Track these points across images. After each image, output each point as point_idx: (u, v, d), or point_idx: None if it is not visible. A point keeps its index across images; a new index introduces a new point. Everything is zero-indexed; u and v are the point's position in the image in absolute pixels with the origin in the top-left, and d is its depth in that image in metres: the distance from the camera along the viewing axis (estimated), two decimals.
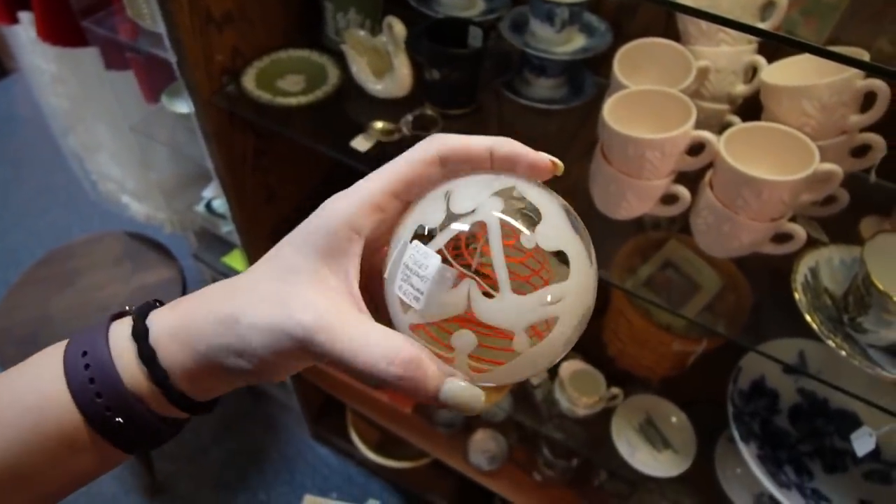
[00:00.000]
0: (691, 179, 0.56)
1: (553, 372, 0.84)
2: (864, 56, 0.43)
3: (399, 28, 0.63)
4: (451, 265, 0.19)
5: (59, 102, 0.97)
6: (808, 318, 0.52)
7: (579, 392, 0.76)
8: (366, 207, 0.22)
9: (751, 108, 0.61)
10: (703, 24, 0.60)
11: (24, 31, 0.89)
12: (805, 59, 0.57)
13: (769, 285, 0.68)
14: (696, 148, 0.53)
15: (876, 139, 0.54)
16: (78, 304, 1.09)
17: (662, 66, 0.61)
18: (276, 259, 0.23)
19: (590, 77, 0.73)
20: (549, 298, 0.19)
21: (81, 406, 0.22)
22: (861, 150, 0.56)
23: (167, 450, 1.33)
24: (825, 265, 0.58)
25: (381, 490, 1.24)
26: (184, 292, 1.08)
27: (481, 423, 1.06)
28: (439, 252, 0.19)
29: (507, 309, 0.19)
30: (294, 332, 0.20)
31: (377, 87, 0.68)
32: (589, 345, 0.92)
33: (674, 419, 0.80)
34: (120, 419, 0.22)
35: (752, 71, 0.60)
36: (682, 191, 0.56)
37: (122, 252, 1.14)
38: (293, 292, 0.21)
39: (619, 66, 0.59)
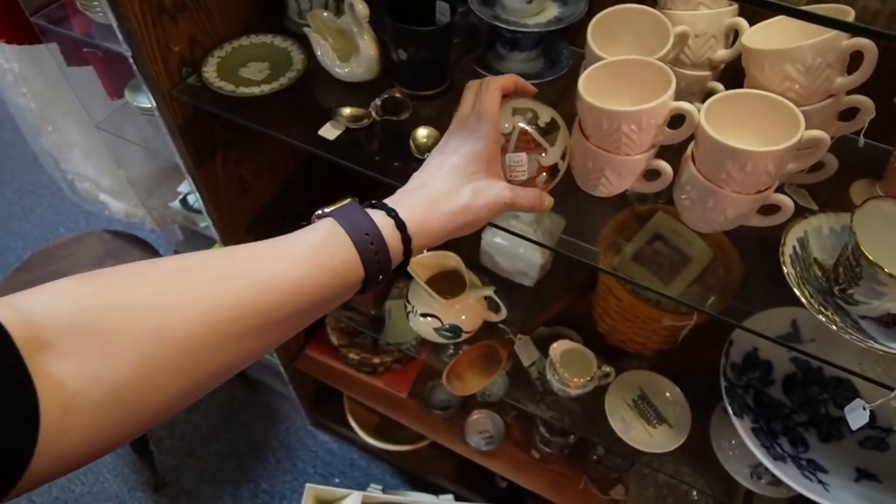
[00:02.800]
0: (676, 153, 0.54)
1: (544, 351, 0.83)
2: (849, 15, 0.40)
3: (361, 7, 0.60)
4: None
5: (25, 102, 0.94)
6: (797, 292, 0.51)
7: (571, 372, 0.75)
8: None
9: (734, 72, 0.58)
10: None
11: None
12: (787, 21, 0.53)
13: (760, 255, 0.66)
14: (677, 119, 0.51)
15: (864, 101, 0.52)
16: None
17: (639, 34, 0.57)
18: (459, 169, 0.43)
19: (566, 48, 0.70)
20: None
21: (364, 258, 0.35)
22: (849, 113, 0.53)
23: (168, 444, 1.34)
24: (814, 235, 0.56)
25: (383, 473, 1.25)
26: None
27: (477, 403, 1.06)
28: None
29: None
30: (505, 202, 0.44)
31: (343, 70, 0.65)
32: (579, 322, 0.91)
33: (667, 394, 0.79)
34: (380, 266, 0.37)
35: (734, 34, 0.57)
36: (664, 165, 0.54)
37: (104, 251, 1.12)
38: (492, 183, 0.44)
39: (593, 35, 0.56)
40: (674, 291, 0.84)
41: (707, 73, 0.59)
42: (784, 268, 0.52)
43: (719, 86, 0.60)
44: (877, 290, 0.49)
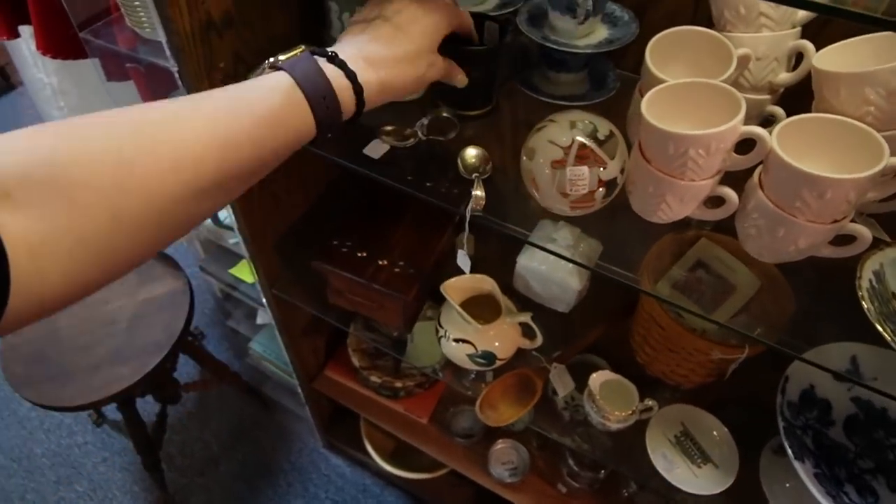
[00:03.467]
0: (735, 179, 0.51)
1: (581, 383, 0.80)
2: None
3: None
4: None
5: (61, 115, 0.94)
6: (879, 328, 0.47)
7: (611, 405, 0.72)
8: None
9: (791, 97, 0.56)
10: (742, 7, 0.54)
11: (26, 45, 0.86)
12: (858, 42, 0.51)
13: (814, 286, 0.63)
14: (745, 144, 0.48)
15: None
16: (85, 318, 1.06)
17: (695, 56, 0.55)
18: (429, 35, 0.45)
19: (612, 70, 0.68)
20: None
21: (319, 121, 0.38)
22: None
23: (178, 462, 1.30)
24: (890, 267, 0.53)
25: (396, 500, 1.21)
26: (192, 304, 1.04)
27: (501, 433, 1.02)
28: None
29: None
30: (440, 78, 0.49)
31: None
32: (609, 350, 0.87)
33: (714, 432, 0.75)
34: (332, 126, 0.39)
35: (796, 57, 0.55)
36: (729, 192, 0.51)
37: None
38: (438, 61, 0.47)
39: (651, 57, 0.54)
40: (720, 319, 0.80)
41: (767, 96, 0.57)
42: (863, 303, 0.49)
43: (779, 110, 0.58)
44: None
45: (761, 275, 0.72)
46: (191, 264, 1.16)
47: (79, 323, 1.06)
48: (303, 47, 0.40)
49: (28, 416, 1.41)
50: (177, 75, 0.61)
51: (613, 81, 0.66)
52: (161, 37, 0.58)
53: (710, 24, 0.56)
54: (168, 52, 0.59)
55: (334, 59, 0.39)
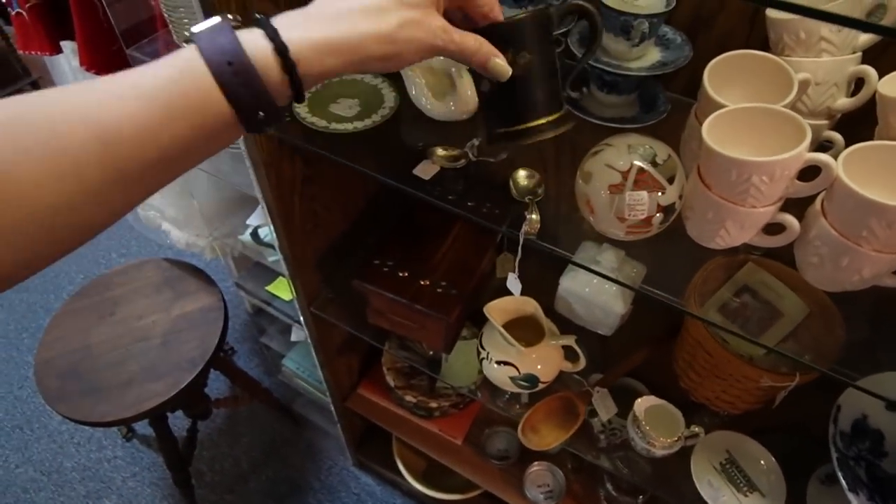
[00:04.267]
0: (789, 204, 0.51)
1: (622, 400, 0.79)
2: None
3: None
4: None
5: None
6: None
7: (656, 431, 0.70)
8: None
9: (847, 122, 0.55)
10: (803, 32, 0.54)
11: (67, 61, 0.88)
12: None
13: (866, 313, 0.62)
14: (809, 171, 0.48)
15: None
16: (118, 334, 1.07)
17: (754, 81, 0.55)
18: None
19: (661, 93, 0.67)
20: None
21: (229, 93, 0.29)
22: None
23: (208, 479, 1.30)
24: None
25: None
26: (226, 320, 1.05)
27: (536, 455, 1.01)
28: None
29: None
30: (437, 45, 0.34)
31: (439, 109, 0.64)
32: (653, 375, 0.86)
33: (761, 461, 0.73)
34: (257, 101, 0.30)
35: (857, 83, 0.54)
36: (790, 220, 0.50)
37: (162, 279, 1.12)
38: (429, 16, 0.34)
39: (710, 81, 0.54)
40: (761, 350, 0.79)
41: (824, 122, 0.57)
42: None
43: (837, 136, 0.57)
44: None
45: (810, 301, 0.71)
46: (223, 279, 1.17)
47: (112, 339, 1.07)
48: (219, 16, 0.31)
49: (59, 429, 1.42)
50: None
51: (663, 104, 0.65)
52: None
53: (763, 46, 0.56)
54: None
55: (259, 21, 0.31)
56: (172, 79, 0.28)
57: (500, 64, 0.38)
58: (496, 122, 0.44)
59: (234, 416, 1.39)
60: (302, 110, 0.65)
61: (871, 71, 0.52)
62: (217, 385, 1.42)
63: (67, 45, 0.84)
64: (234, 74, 0.28)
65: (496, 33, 0.38)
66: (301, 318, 0.89)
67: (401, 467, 1.13)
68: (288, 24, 0.30)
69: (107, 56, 0.74)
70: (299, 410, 1.35)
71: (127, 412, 0.98)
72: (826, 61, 0.54)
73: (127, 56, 0.72)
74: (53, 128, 0.26)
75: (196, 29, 0.30)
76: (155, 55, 0.74)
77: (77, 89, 0.27)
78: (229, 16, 0.31)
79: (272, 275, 1.04)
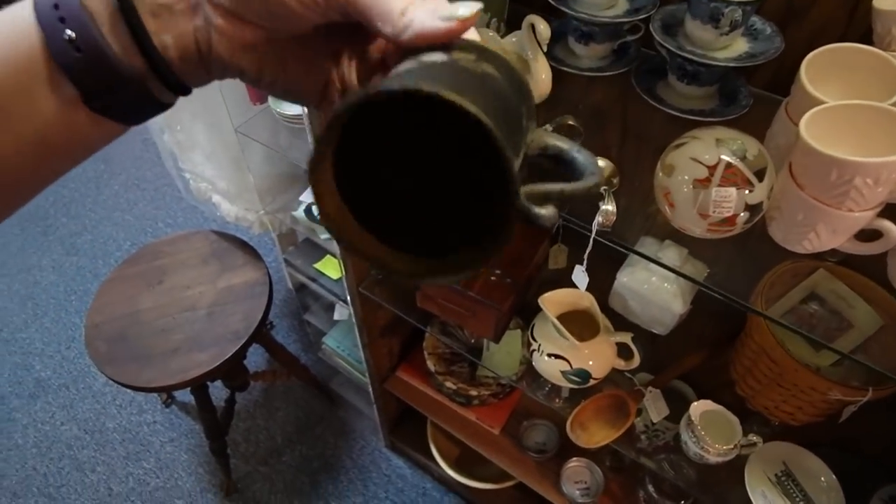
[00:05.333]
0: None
1: (672, 400, 0.77)
2: None
3: (543, 27, 0.57)
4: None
5: (172, 140, 0.96)
6: None
7: (711, 437, 0.68)
8: None
9: None
10: None
11: None
12: None
13: None
14: None
15: None
16: (166, 302, 1.09)
17: (853, 76, 0.52)
18: None
19: (744, 87, 0.64)
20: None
21: (47, 33, 0.21)
22: None
23: (242, 449, 1.34)
24: None
25: None
26: (270, 296, 1.06)
27: (575, 451, 1.00)
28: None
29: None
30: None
31: None
32: (702, 379, 0.83)
33: (822, 478, 0.70)
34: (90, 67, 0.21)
35: None
36: (889, 226, 0.47)
37: (209, 251, 1.14)
38: None
39: (806, 75, 0.51)
40: (828, 359, 0.75)
41: None
42: None
43: None
44: None
45: (884, 314, 0.67)
46: (266, 254, 1.18)
47: (160, 306, 1.09)
48: None
49: (102, 390, 1.47)
50: None
51: (745, 98, 0.62)
52: None
53: (862, 40, 0.52)
54: None
55: None
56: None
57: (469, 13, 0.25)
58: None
59: (271, 391, 1.42)
60: None
61: None
62: (255, 359, 1.45)
63: None
64: (58, 24, 0.21)
65: None
66: (348, 297, 0.90)
67: (434, 452, 1.13)
68: None
69: None
70: (336, 389, 1.37)
71: (171, 379, 1.01)
72: None
73: None
74: None
75: None
76: None
77: None
78: None
79: (320, 252, 1.04)
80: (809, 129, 0.47)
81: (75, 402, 1.45)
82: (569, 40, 0.68)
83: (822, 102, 0.48)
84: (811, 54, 0.52)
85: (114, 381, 1.01)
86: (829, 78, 0.52)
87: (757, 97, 0.63)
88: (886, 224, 0.47)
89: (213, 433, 1.19)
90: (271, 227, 1.08)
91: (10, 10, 0.21)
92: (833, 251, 0.64)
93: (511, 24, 0.66)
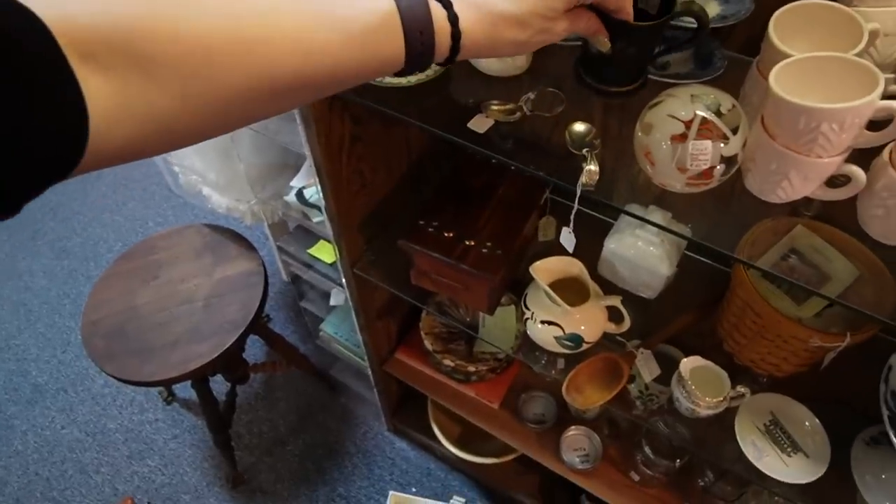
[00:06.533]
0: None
1: (663, 366, 0.79)
2: None
3: None
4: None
5: None
6: None
7: (702, 391, 0.71)
8: None
9: None
10: None
11: None
12: None
13: None
14: (878, 121, 0.47)
15: None
16: (162, 296, 1.10)
17: (820, 32, 0.54)
18: (541, 4, 0.40)
19: (718, 49, 0.67)
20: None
21: (410, 56, 0.36)
22: None
23: (246, 440, 1.35)
24: None
25: (461, 485, 1.22)
26: (266, 285, 1.08)
27: (573, 419, 1.02)
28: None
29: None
30: (556, 40, 0.43)
31: (491, 65, 0.64)
32: (692, 342, 0.86)
33: (806, 423, 0.73)
34: (420, 65, 0.37)
35: None
36: (856, 171, 0.50)
37: (203, 244, 1.15)
38: (555, 28, 0.42)
39: (775, 31, 0.53)
40: (810, 311, 0.79)
41: (891, 75, 0.55)
42: None
43: None
44: None
45: (860, 265, 0.70)
46: (260, 246, 1.19)
47: (157, 300, 1.10)
48: None
49: (101, 392, 1.47)
50: None
51: (720, 61, 0.65)
52: None
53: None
54: None
55: (444, 2, 0.37)
56: (372, 28, 0.34)
57: (602, 41, 0.48)
58: (592, 77, 0.57)
59: (272, 382, 1.43)
60: None
61: None
62: (254, 352, 1.46)
63: None
64: (420, 42, 0.35)
65: (621, 28, 0.48)
66: (343, 280, 0.91)
67: (436, 431, 1.15)
68: (464, 14, 0.37)
69: None
70: (336, 376, 1.38)
71: (173, 372, 1.02)
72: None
73: None
74: (267, 29, 0.30)
75: None
76: None
77: (288, 5, 0.32)
78: None
79: (313, 238, 1.05)
80: (778, 80, 0.49)
81: (74, 405, 1.46)
82: None
83: (789, 56, 0.50)
84: (779, 11, 0.54)
85: (115, 377, 1.02)
86: (796, 34, 0.54)
87: (731, 60, 0.65)
88: (854, 168, 0.50)
89: (216, 426, 1.20)
90: (263, 217, 1.10)
91: (383, 35, 0.34)
92: (808, 205, 0.67)
93: None
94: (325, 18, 0.33)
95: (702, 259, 0.90)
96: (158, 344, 1.05)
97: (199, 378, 1.12)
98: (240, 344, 1.07)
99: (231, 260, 1.12)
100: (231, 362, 1.19)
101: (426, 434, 1.19)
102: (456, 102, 0.66)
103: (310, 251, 1.05)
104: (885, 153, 0.49)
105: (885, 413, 0.63)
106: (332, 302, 1.13)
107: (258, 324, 1.12)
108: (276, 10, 0.31)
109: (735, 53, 0.67)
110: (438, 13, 0.36)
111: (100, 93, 0.26)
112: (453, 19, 0.37)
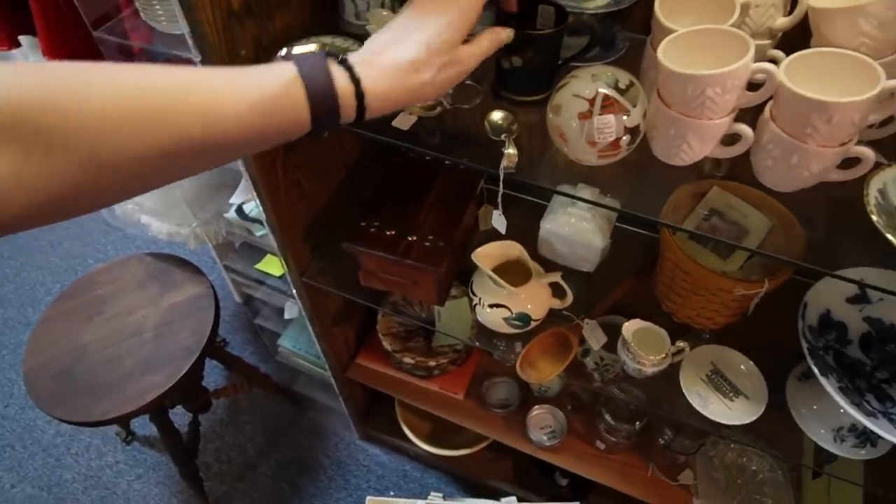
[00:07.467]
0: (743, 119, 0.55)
1: (611, 335, 0.83)
2: None
3: None
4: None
5: None
6: (889, 237, 0.51)
7: (645, 351, 0.75)
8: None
9: (790, 41, 0.60)
10: None
11: (23, 57, 0.87)
12: None
13: (820, 220, 0.68)
14: (755, 82, 0.52)
15: None
16: (110, 331, 1.07)
17: (702, 8, 0.60)
18: (434, 48, 0.41)
19: (620, 32, 0.72)
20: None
21: (315, 121, 0.37)
22: None
23: (215, 469, 1.31)
24: (893, 185, 0.57)
25: (438, 481, 1.23)
26: (217, 307, 1.06)
27: (536, 399, 1.06)
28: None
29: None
30: (469, 70, 0.45)
31: None
32: (638, 310, 0.91)
33: (741, 366, 0.79)
34: (326, 127, 0.38)
35: (792, 2, 0.59)
36: (744, 128, 0.55)
37: (147, 274, 1.12)
38: (456, 60, 0.43)
39: (661, 10, 0.58)
40: (735, 264, 0.85)
41: (767, 41, 0.61)
42: (872, 216, 0.53)
43: (780, 53, 0.61)
44: None
45: (771, 215, 0.76)
46: (208, 270, 1.17)
47: (104, 336, 1.07)
48: (319, 45, 0.40)
49: (53, 442, 1.40)
50: (199, 66, 0.63)
51: (622, 42, 0.69)
52: (182, 28, 0.59)
53: None
54: (191, 43, 0.61)
55: (344, 62, 0.38)
56: (276, 95, 0.35)
57: (508, 35, 0.50)
58: (509, 90, 0.63)
59: (235, 406, 1.40)
60: None
61: None
62: (213, 377, 1.42)
63: (24, 40, 0.83)
64: (324, 107, 0.37)
65: (526, 40, 0.56)
66: (294, 291, 0.91)
67: (406, 431, 1.16)
68: (365, 73, 0.38)
69: (72, 42, 0.73)
70: (300, 390, 1.37)
71: (128, 406, 0.99)
72: None
73: (94, 39, 0.72)
74: (164, 107, 0.31)
75: (297, 49, 0.41)
76: (123, 36, 0.74)
77: (194, 78, 0.33)
78: (314, 47, 0.39)
79: (260, 253, 1.05)
80: (667, 54, 0.53)
81: (24, 460, 1.38)
82: None
83: (674, 31, 0.55)
84: None
85: (66, 421, 0.98)
86: (683, 12, 0.59)
87: (633, 41, 0.70)
88: (742, 127, 0.55)
89: (181, 458, 1.17)
90: (207, 239, 1.08)
91: (286, 101, 0.36)
92: (718, 167, 0.72)
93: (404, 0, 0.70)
94: (233, 89, 0.34)
95: (632, 229, 0.96)
96: (110, 380, 1.01)
97: (158, 410, 1.09)
98: (197, 370, 1.05)
99: (178, 286, 1.10)
100: (190, 390, 1.17)
101: (397, 436, 1.20)
102: None
103: (257, 266, 1.05)
104: (767, 110, 0.55)
105: (805, 346, 0.68)
106: (287, 315, 1.12)
107: (214, 347, 1.10)
108: (184, 82, 0.33)
109: (635, 34, 0.73)
110: (340, 76, 0.37)
111: (5, 169, 0.26)
112: (356, 80, 0.38)
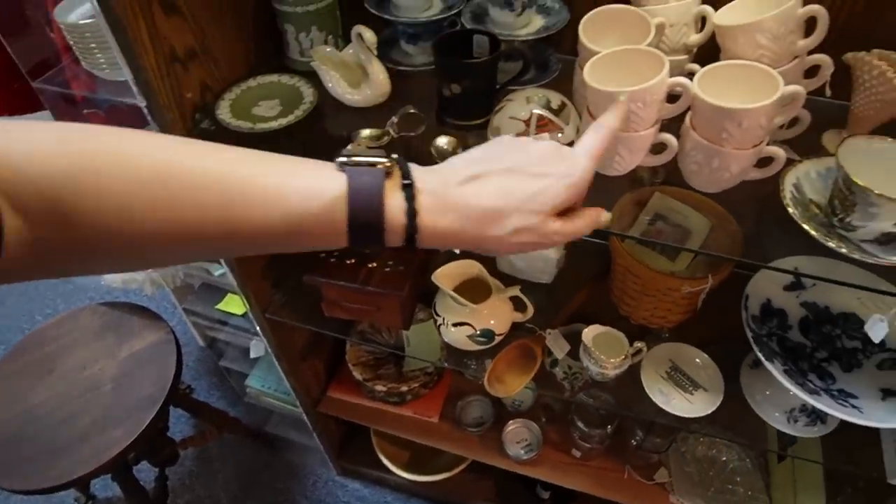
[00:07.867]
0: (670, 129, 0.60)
1: (575, 344, 0.86)
2: None
3: (369, 35, 0.64)
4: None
5: None
6: (806, 227, 0.56)
7: (606, 354, 0.78)
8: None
9: (705, 54, 0.66)
10: None
11: None
12: (745, 0, 0.62)
13: (751, 218, 0.73)
14: (674, 95, 0.57)
15: (824, 58, 0.60)
16: (62, 389, 1.02)
17: (622, 30, 0.65)
18: (524, 207, 0.36)
19: (553, 55, 0.76)
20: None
21: (351, 242, 0.33)
22: (812, 71, 0.62)
23: None
24: (805, 179, 0.62)
25: None
26: (179, 352, 1.03)
27: (510, 414, 1.07)
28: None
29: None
30: (550, 246, 0.39)
31: (356, 97, 0.69)
32: (598, 318, 0.94)
33: (697, 360, 0.83)
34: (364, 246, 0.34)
35: (702, 20, 0.65)
36: (669, 137, 0.59)
37: (101, 325, 1.08)
38: (545, 223, 0.36)
39: (585, 34, 0.63)
40: (683, 264, 0.89)
41: (684, 56, 0.67)
42: (788, 208, 0.58)
43: (696, 67, 0.67)
44: (871, 213, 0.54)
45: (710, 216, 0.82)
46: (168, 316, 1.14)
47: (56, 395, 1.01)
48: (393, 158, 0.34)
49: None
50: (146, 110, 0.64)
51: (555, 64, 0.74)
52: (125, 75, 0.60)
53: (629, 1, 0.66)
54: (135, 89, 0.62)
55: (408, 188, 0.33)
56: (317, 215, 0.32)
57: (607, 221, 0.42)
58: (451, 116, 0.66)
59: (205, 455, 1.35)
60: (226, 116, 0.68)
61: (709, 9, 0.63)
62: (180, 427, 1.37)
63: None
64: (364, 232, 0.32)
65: (463, 68, 0.60)
66: (258, 328, 0.90)
67: (384, 460, 1.15)
68: (427, 204, 0.33)
69: (11, 94, 0.72)
70: (273, 431, 1.33)
71: (87, 467, 0.93)
72: (674, 5, 0.64)
73: (34, 90, 0.71)
74: (187, 201, 0.30)
75: (358, 157, 0.33)
76: (64, 85, 0.73)
77: (231, 173, 0.31)
78: (385, 161, 0.33)
79: (220, 293, 1.03)
80: (592, 74, 0.58)
81: None
82: (400, 43, 0.76)
83: (597, 53, 0.60)
84: (585, 17, 0.64)
85: (17, 491, 0.92)
86: (606, 34, 0.64)
87: (566, 62, 0.75)
88: (667, 136, 0.59)
89: None
90: (163, 283, 1.06)
91: (327, 221, 0.32)
92: (655, 175, 0.77)
93: (347, 38, 0.73)
94: (273, 199, 0.31)
95: (585, 238, 1.00)
96: (65, 441, 0.96)
97: (120, 468, 1.04)
98: (160, 420, 1.01)
99: (136, 334, 1.07)
100: (154, 443, 1.12)
101: (376, 467, 1.18)
102: (331, 135, 0.70)
103: (219, 307, 1.03)
104: (687, 120, 0.59)
105: (750, 335, 0.73)
106: (253, 354, 1.10)
107: (178, 395, 1.07)
108: (210, 177, 0.30)
109: (567, 56, 0.78)
110: (394, 205, 0.32)
111: (19, 232, 0.27)
112: (412, 212, 0.32)
